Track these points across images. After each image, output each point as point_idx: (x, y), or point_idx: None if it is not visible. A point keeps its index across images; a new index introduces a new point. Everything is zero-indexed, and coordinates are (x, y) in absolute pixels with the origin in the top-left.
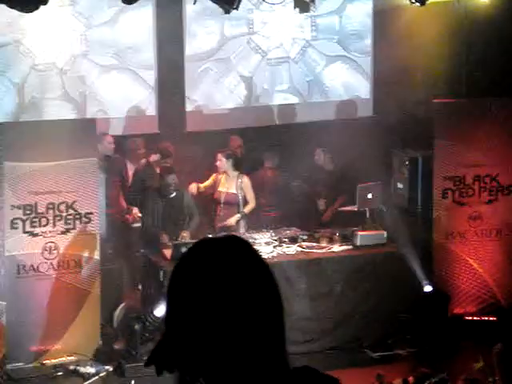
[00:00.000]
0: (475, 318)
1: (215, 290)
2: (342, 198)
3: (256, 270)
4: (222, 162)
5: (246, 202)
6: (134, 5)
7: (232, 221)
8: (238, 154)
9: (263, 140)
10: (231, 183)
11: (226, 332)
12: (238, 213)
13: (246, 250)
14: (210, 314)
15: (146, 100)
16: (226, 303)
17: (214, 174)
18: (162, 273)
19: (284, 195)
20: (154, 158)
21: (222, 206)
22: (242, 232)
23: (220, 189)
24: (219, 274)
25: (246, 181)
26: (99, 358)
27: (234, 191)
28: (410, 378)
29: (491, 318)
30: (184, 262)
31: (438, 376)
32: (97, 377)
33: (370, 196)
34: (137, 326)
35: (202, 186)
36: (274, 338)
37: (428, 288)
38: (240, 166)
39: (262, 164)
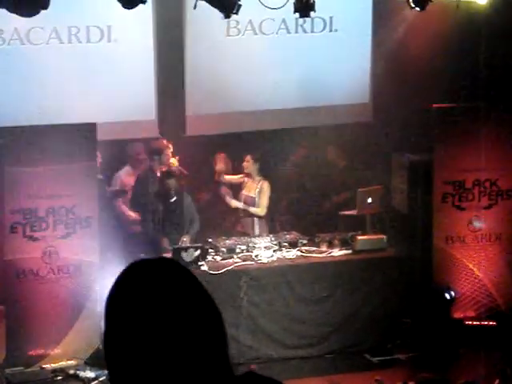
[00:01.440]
0: (475, 323)
1: (150, 315)
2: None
3: (192, 293)
4: (249, 164)
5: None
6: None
7: (232, 203)
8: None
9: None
10: (252, 187)
11: (163, 356)
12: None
13: (179, 271)
14: (146, 339)
15: (146, 104)
16: (160, 327)
17: (242, 175)
18: None
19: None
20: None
21: (240, 209)
22: (255, 233)
23: (243, 191)
24: (153, 299)
25: (265, 187)
26: (99, 362)
27: (253, 195)
28: (411, 383)
29: (491, 323)
30: (118, 287)
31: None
32: (96, 381)
33: (369, 200)
34: None
35: (229, 177)
36: (213, 362)
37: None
38: (264, 170)
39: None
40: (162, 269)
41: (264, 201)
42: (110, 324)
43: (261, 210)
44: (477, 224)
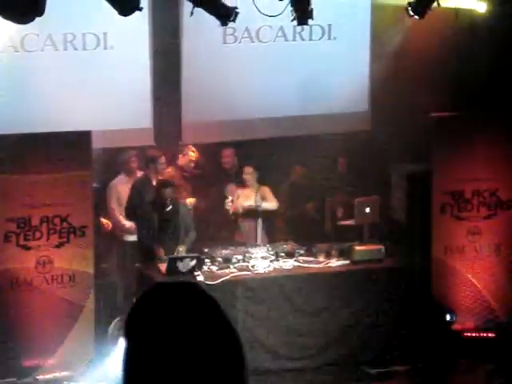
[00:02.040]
0: (474, 335)
1: (169, 342)
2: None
3: (213, 317)
4: (253, 176)
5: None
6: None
7: (240, 203)
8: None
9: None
10: (250, 195)
11: (183, 380)
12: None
13: (203, 298)
14: (167, 363)
15: (142, 112)
16: (183, 352)
17: (235, 189)
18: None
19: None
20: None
21: (241, 219)
22: (259, 242)
23: (239, 201)
24: (176, 323)
25: (265, 188)
26: (93, 373)
27: (253, 203)
28: None
29: (490, 335)
30: (139, 310)
31: None
32: None
33: (368, 210)
34: None
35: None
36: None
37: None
38: (260, 178)
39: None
40: (184, 294)
41: (271, 198)
42: (129, 347)
43: (273, 204)
44: None
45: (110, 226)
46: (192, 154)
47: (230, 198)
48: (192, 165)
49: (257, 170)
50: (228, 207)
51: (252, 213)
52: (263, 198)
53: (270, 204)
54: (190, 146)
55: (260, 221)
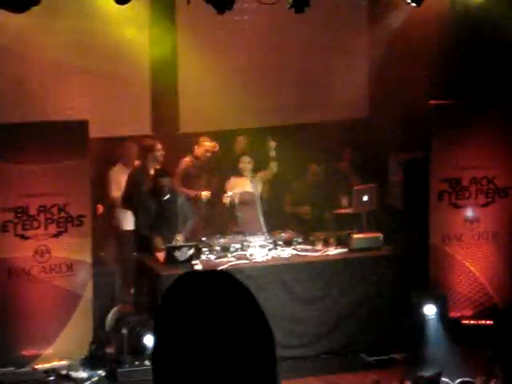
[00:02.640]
0: (472, 322)
1: (204, 329)
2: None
3: (246, 308)
4: (250, 165)
5: (262, 199)
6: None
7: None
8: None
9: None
10: (246, 183)
11: (215, 374)
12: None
13: (236, 287)
14: (199, 354)
15: (140, 101)
16: (215, 344)
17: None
18: (154, 276)
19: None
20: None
21: (237, 206)
22: (263, 231)
23: (235, 191)
24: (208, 313)
25: (261, 175)
26: (91, 362)
27: (250, 190)
28: (407, 383)
29: (488, 322)
30: (172, 298)
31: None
32: (89, 382)
33: (365, 198)
34: (124, 331)
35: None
36: (264, 378)
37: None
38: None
39: None
40: (216, 283)
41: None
42: (159, 338)
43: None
44: (469, 214)
45: (101, 209)
46: (207, 144)
47: (230, 193)
48: (208, 154)
49: (252, 162)
50: (226, 201)
51: (250, 201)
52: (256, 184)
53: (268, 171)
54: (205, 137)
55: (260, 207)
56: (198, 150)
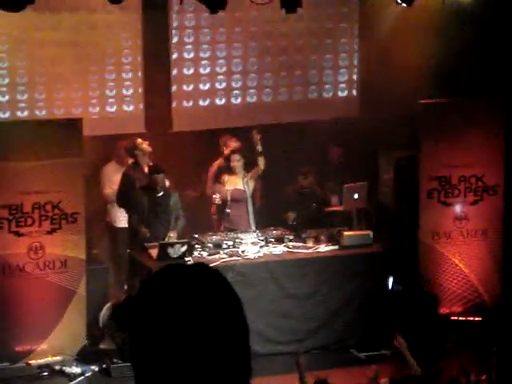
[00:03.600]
0: (461, 318)
1: (181, 320)
2: None
3: (225, 301)
4: (236, 164)
5: (254, 197)
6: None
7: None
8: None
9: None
10: (238, 180)
11: (190, 364)
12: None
13: (216, 279)
14: (175, 344)
15: (133, 100)
16: (191, 335)
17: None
18: (147, 272)
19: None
20: None
21: (229, 204)
22: (252, 229)
23: (226, 187)
24: (186, 305)
25: (250, 174)
26: (85, 358)
27: (241, 187)
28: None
29: (477, 318)
30: (149, 289)
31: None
32: (82, 377)
33: (356, 196)
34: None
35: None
36: (238, 371)
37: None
38: (247, 165)
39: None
40: (194, 274)
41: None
42: (135, 327)
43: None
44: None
45: None
46: (234, 144)
47: (218, 195)
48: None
49: (242, 159)
50: (217, 202)
51: (240, 199)
52: (248, 182)
53: (257, 169)
54: (227, 136)
55: (250, 205)
56: (228, 151)
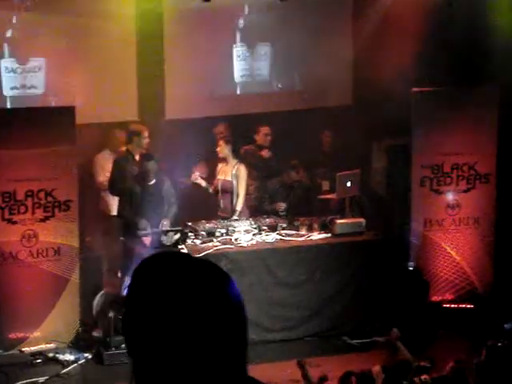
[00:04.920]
0: (453, 306)
1: (174, 308)
2: None
3: (217, 287)
4: (222, 148)
5: (237, 194)
6: None
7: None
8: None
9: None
10: (228, 171)
11: (184, 353)
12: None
13: (207, 268)
14: (170, 333)
15: (127, 88)
16: (187, 323)
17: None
18: (140, 260)
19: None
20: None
21: (220, 194)
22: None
23: (219, 176)
24: (173, 293)
25: (242, 169)
26: (78, 345)
27: (230, 179)
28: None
29: (468, 306)
30: (140, 280)
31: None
32: (76, 364)
33: (348, 184)
34: (111, 314)
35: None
36: (234, 360)
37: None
38: (238, 153)
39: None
40: (189, 261)
41: (242, 185)
42: (128, 312)
43: (241, 197)
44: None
45: None
46: (264, 128)
47: (197, 174)
48: (268, 138)
49: (228, 144)
50: (207, 187)
51: (228, 188)
52: (237, 177)
53: (240, 200)
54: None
55: (235, 197)
56: (259, 137)
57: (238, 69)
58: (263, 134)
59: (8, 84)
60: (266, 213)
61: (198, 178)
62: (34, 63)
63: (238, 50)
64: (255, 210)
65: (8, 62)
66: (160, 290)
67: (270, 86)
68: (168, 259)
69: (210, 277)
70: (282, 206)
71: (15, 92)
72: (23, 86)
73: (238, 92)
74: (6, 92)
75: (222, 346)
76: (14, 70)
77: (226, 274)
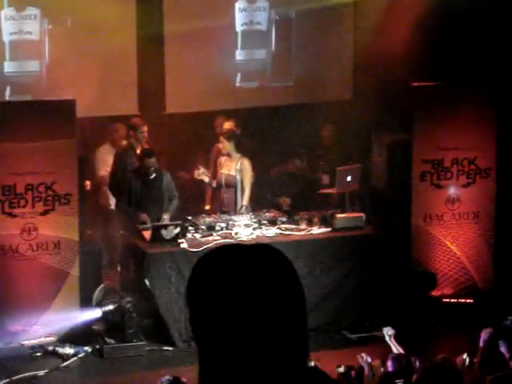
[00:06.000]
0: (452, 301)
1: (238, 299)
2: None
3: (285, 282)
4: (224, 144)
5: (243, 188)
6: None
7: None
8: (239, 136)
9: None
10: (232, 165)
11: (249, 341)
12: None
13: (278, 260)
14: (232, 323)
15: (127, 81)
16: (249, 314)
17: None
18: (140, 254)
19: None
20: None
21: (224, 188)
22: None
23: (222, 171)
24: (244, 284)
25: (245, 163)
26: (78, 338)
27: (233, 173)
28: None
29: (468, 301)
30: (205, 267)
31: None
32: (75, 357)
33: (349, 179)
34: (111, 308)
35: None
36: (295, 349)
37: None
38: (241, 147)
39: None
40: (254, 253)
41: (247, 180)
42: (195, 304)
43: (247, 191)
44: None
45: (89, 186)
46: (224, 126)
47: (202, 170)
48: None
49: (231, 140)
50: (210, 182)
51: (231, 182)
52: (241, 171)
53: (246, 194)
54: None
55: (239, 192)
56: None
57: (239, 20)
58: None
59: (7, 30)
60: (268, 205)
61: (201, 173)
62: (30, 11)
63: (240, 3)
64: (256, 202)
65: (7, 11)
66: (225, 281)
67: (268, 78)
68: (227, 250)
69: (271, 262)
70: (287, 201)
71: (13, 37)
72: (20, 32)
73: (238, 82)
74: (6, 38)
75: (285, 331)
76: (12, 17)
77: (286, 258)
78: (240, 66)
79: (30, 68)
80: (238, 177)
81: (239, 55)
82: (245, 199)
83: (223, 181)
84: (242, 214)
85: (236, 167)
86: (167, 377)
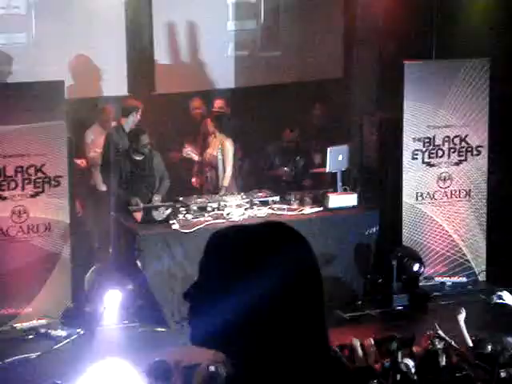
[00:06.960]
0: (445, 278)
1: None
2: None
3: (300, 259)
4: (210, 124)
5: (224, 169)
6: None
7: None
8: (223, 115)
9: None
10: (215, 145)
11: (265, 320)
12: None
13: (293, 238)
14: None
15: (116, 62)
16: (264, 293)
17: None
18: (132, 236)
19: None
20: None
21: (208, 168)
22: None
23: (208, 150)
24: (261, 262)
25: (227, 144)
26: (70, 321)
27: (215, 153)
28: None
29: (460, 279)
30: (220, 247)
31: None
32: (68, 340)
33: (340, 158)
34: (103, 290)
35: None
36: (314, 327)
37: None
38: (224, 127)
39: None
40: (263, 227)
41: (228, 161)
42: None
43: (228, 171)
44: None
45: (85, 163)
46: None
47: (189, 149)
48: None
49: (215, 119)
50: (196, 158)
51: (213, 162)
52: (222, 152)
53: (227, 174)
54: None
55: (221, 171)
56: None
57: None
58: None
59: None
60: (266, 180)
61: (189, 152)
62: None
63: None
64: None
65: None
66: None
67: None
68: (240, 229)
69: (287, 240)
70: (287, 170)
71: (1, 11)
72: (8, 6)
73: (227, 65)
74: None
75: (303, 310)
76: None
77: (303, 237)
78: (232, 36)
79: (17, 40)
80: (220, 157)
81: (231, 26)
82: (225, 180)
83: (207, 160)
84: (234, 194)
85: (218, 147)
86: (157, 359)
